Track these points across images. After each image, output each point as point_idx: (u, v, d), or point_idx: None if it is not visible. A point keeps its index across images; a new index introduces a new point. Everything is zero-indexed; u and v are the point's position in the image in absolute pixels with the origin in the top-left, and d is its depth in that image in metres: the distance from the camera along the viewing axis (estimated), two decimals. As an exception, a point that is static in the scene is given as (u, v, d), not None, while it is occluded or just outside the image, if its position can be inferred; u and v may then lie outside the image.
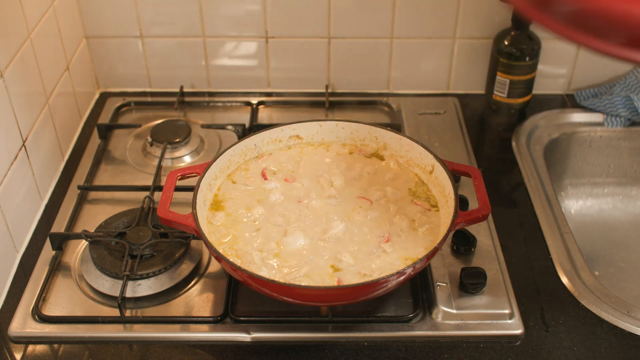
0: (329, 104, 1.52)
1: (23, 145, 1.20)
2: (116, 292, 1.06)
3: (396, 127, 1.39)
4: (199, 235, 0.99)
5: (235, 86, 1.59)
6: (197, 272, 1.13)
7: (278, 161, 1.19)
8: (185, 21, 1.49)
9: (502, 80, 1.46)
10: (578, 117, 1.49)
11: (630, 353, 1.01)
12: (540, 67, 1.49)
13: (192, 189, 1.06)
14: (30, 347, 1.02)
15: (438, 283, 1.08)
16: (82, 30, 1.51)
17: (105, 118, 1.50)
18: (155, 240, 1.12)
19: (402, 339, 1.02)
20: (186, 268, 1.11)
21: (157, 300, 1.08)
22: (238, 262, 1.00)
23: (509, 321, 1.04)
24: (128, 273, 1.06)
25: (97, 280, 1.09)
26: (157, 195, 1.23)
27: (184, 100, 1.55)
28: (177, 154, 1.38)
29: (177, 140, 1.38)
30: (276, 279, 0.96)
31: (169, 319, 1.05)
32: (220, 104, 1.55)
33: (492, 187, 1.31)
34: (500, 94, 1.48)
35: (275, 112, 1.54)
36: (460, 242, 1.13)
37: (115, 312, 1.05)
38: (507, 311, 1.05)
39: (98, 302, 1.08)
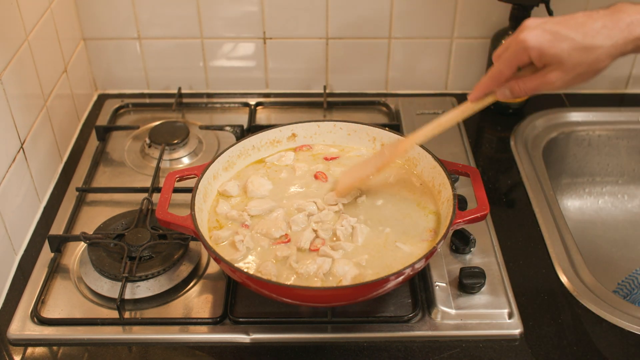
0: (327, 104, 1.52)
1: (21, 147, 1.20)
2: (115, 294, 1.06)
3: (394, 127, 1.39)
4: (198, 237, 0.99)
5: (234, 87, 1.59)
6: (196, 274, 1.13)
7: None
8: (183, 22, 1.49)
9: (500, 79, 1.46)
10: (576, 116, 1.49)
11: (630, 352, 1.01)
12: (538, 66, 1.49)
13: (190, 190, 1.06)
14: (30, 350, 1.02)
15: (437, 283, 1.08)
16: (79, 32, 1.50)
17: (103, 120, 1.50)
18: (154, 241, 1.12)
19: (401, 339, 1.02)
20: (185, 269, 1.11)
21: (156, 302, 1.08)
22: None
23: (508, 321, 1.04)
24: (127, 275, 1.06)
25: (95, 282, 1.09)
26: (156, 197, 1.23)
27: (182, 101, 1.55)
28: (176, 155, 1.38)
29: (176, 141, 1.38)
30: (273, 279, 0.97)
31: (168, 320, 1.05)
32: (218, 105, 1.55)
33: (491, 186, 1.31)
34: (498, 93, 1.48)
35: (273, 113, 1.54)
36: (459, 242, 1.13)
37: (114, 314, 1.05)
38: (506, 311, 1.05)
39: (97, 304, 1.08)
